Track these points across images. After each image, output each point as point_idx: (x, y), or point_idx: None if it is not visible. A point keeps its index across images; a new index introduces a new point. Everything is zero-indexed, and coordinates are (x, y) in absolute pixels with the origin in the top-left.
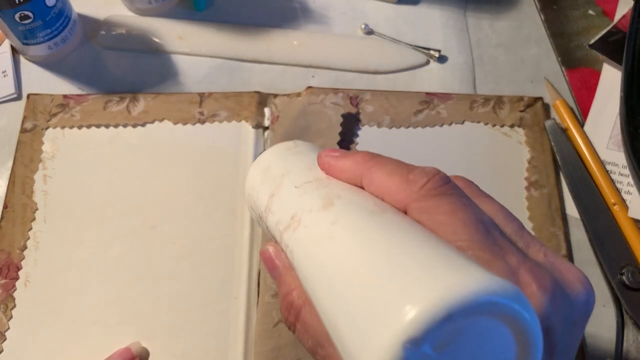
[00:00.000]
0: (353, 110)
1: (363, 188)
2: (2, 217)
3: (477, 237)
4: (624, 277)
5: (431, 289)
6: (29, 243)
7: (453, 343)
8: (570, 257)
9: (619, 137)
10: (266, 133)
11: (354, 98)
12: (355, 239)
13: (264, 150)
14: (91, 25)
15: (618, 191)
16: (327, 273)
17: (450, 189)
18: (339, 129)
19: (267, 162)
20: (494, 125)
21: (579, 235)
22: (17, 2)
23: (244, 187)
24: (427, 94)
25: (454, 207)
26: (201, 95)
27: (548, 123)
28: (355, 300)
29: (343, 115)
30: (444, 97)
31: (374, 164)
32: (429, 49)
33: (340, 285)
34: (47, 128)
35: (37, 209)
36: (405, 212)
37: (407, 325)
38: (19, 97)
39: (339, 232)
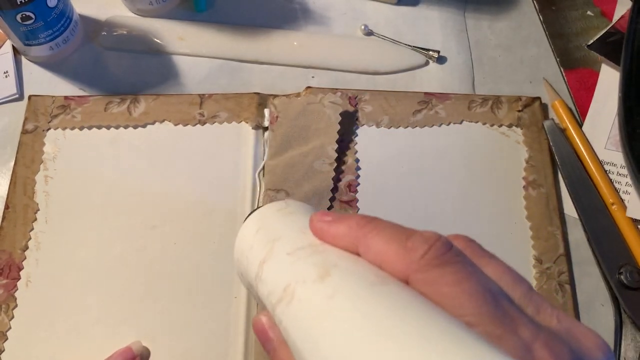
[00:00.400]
0: (352, 110)
1: (360, 255)
2: (3, 218)
3: (486, 309)
4: (622, 277)
5: None
6: (30, 243)
7: None
8: (568, 256)
9: (618, 137)
10: (266, 134)
11: (353, 98)
12: (356, 317)
13: (264, 150)
14: (92, 26)
15: (616, 191)
16: (326, 353)
17: (453, 257)
18: (338, 127)
19: (257, 225)
20: (492, 125)
21: (577, 235)
22: (18, 2)
23: (233, 251)
24: (426, 94)
25: (459, 277)
26: (201, 96)
27: (547, 123)
28: None
29: (342, 115)
30: (443, 97)
31: (370, 230)
32: (428, 50)
33: None
34: (48, 129)
35: (38, 210)
36: (406, 282)
37: None
38: (20, 98)
39: (338, 307)
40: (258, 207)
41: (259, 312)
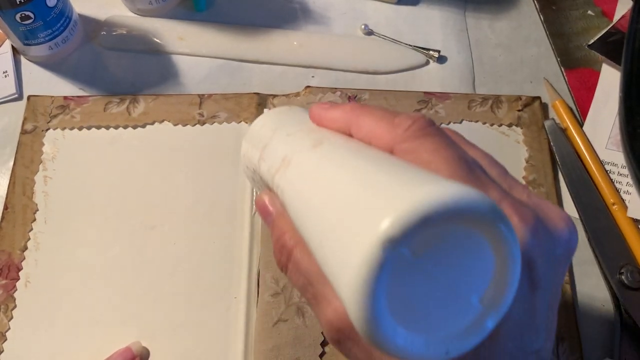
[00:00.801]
0: None
1: (352, 136)
2: (2, 218)
3: (460, 173)
4: (623, 277)
5: (409, 195)
6: (29, 244)
7: (431, 248)
8: None
9: (618, 137)
10: None
11: (353, 97)
12: (339, 167)
13: None
14: (92, 26)
15: (617, 191)
16: (314, 201)
17: (434, 130)
18: None
19: (261, 122)
20: (492, 125)
21: (578, 234)
22: (18, 2)
23: (241, 150)
24: (426, 93)
25: (437, 146)
26: (201, 96)
27: (547, 123)
28: (339, 218)
29: None
30: (442, 96)
31: (362, 112)
32: (428, 50)
33: (325, 209)
34: (47, 129)
35: (37, 210)
36: (391, 153)
37: (385, 226)
38: (19, 98)
39: (325, 164)
40: None
41: (261, 192)
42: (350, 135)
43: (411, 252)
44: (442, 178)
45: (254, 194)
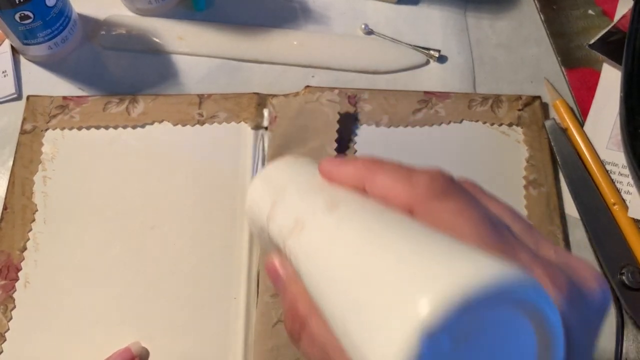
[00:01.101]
0: (351, 110)
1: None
2: (1, 219)
3: (486, 235)
4: (623, 277)
5: (448, 278)
6: (28, 244)
7: (472, 336)
8: None
9: (619, 137)
10: (265, 134)
11: (352, 97)
12: (362, 236)
13: (263, 151)
14: (91, 26)
15: (618, 191)
16: (335, 273)
17: (455, 189)
18: (337, 126)
19: (268, 176)
20: (492, 124)
21: (578, 235)
22: (17, 2)
23: (245, 203)
24: (426, 93)
25: (460, 206)
26: (200, 96)
27: (548, 123)
28: (366, 297)
29: (340, 114)
30: (442, 96)
31: (376, 168)
32: (428, 49)
33: (349, 283)
34: (46, 129)
35: (36, 211)
36: (410, 214)
37: (423, 315)
38: (19, 97)
39: (345, 231)
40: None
41: (268, 255)
42: (364, 191)
43: (451, 340)
44: (480, 253)
45: None
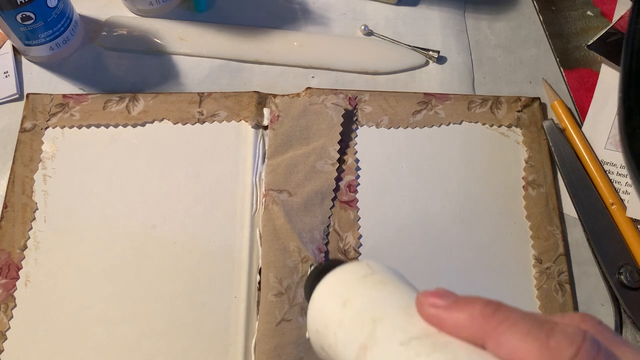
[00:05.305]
0: (350, 108)
1: (484, 348)
2: (2, 217)
3: None
4: (622, 277)
5: None
6: (29, 243)
7: None
8: (568, 256)
9: (617, 137)
10: (265, 133)
11: (353, 98)
12: None
13: (263, 149)
14: (93, 26)
15: (616, 191)
16: None
17: None
18: (340, 129)
19: (343, 296)
20: (491, 125)
21: (577, 235)
22: (18, 3)
23: (307, 317)
24: (425, 94)
25: None
26: (200, 95)
27: (546, 123)
28: None
29: (343, 116)
30: (442, 97)
31: (500, 322)
32: (428, 50)
33: None
34: (46, 128)
35: (37, 209)
36: None
37: None
38: (20, 98)
39: None
40: (330, 263)
41: None
42: (482, 346)
43: None
44: None
45: (254, 193)
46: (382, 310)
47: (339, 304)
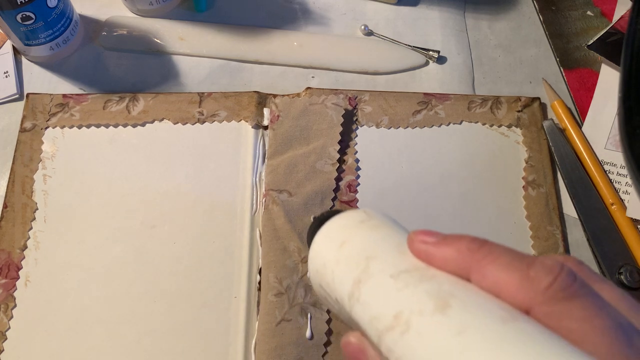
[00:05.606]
0: (350, 108)
1: (469, 280)
2: (2, 217)
3: (618, 348)
4: (622, 277)
5: None
6: (29, 243)
7: None
8: None
9: (617, 137)
10: (265, 133)
11: (353, 99)
12: (490, 351)
13: (263, 149)
14: (93, 26)
15: (616, 191)
16: None
17: (579, 289)
18: (340, 129)
19: (340, 237)
20: (491, 125)
21: (577, 235)
22: (18, 3)
23: (308, 260)
24: (425, 94)
25: (588, 312)
26: (200, 95)
27: (546, 123)
28: None
29: (343, 116)
30: (442, 97)
31: (484, 255)
32: (428, 50)
33: None
34: (46, 128)
35: (37, 209)
36: (527, 313)
37: None
38: (20, 98)
39: (470, 346)
40: (331, 213)
41: (347, 333)
42: (467, 279)
43: None
44: None
45: (254, 193)
46: (375, 249)
47: (337, 246)
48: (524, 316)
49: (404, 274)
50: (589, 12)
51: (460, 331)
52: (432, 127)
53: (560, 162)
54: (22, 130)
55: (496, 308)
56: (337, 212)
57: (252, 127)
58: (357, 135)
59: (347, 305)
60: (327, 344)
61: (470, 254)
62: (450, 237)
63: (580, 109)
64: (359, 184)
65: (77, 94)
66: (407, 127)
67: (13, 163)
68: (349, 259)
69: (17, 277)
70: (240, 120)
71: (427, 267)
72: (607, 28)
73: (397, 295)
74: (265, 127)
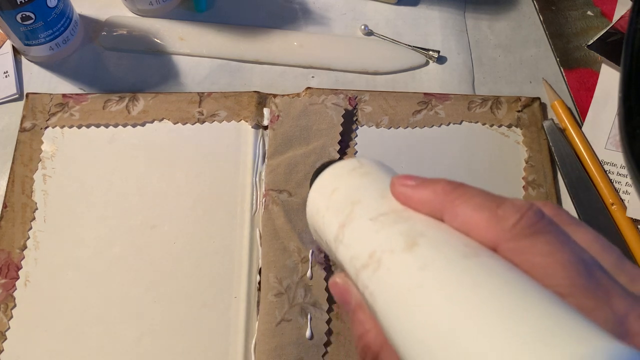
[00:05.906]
0: (350, 108)
1: (443, 221)
2: (1, 217)
3: (579, 281)
4: None
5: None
6: (28, 243)
7: None
8: None
9: (617, 137)
10: (265, 133)
11: (353, 99)
12: (451, 291)
13: (263, 149)
14: (92, 26)
15: (616, 191)
16: (417, 325)
17: (545, 226)
18: (340, 129)
19: (332, 185)
20: (491, 125)
21: None
22: (18, 2)
23: (306, 207)
24: (425, 94)
25: (552, 247)
26: (200, 95)
27: (546, 123)
28: (457, 354)
29: (343, 116)
30: (442, 97)
31: (458, 196)
32: (428, 50)
33: (434, 341)
34: (46, 127)
35: (36, 209)
36: (495, 251)
37: None
38: (20, 98)
39: (430, 280)
40: (330, 163)
41: (335, 274)
42: (442, 219)
43: None
44: (581, 324)
45: (254, 193)
46: (361, 195)
47: (328, 193)
48: (487, 252)
49: (382, 217)
50: (589, 12)
51: (423, 266)
52: (432, 127)
53: (560, 162)
54: (22, 130)
55: (461, 245)
56: (335, 161)
57: (252, 127)
58: (357, 135)
59: (333, 247)
60: (327, 344)
61: (445, 195)
62: (428, 180)
63: (580, 109)
64: None
65: (76, 94)
66: (407, 127)
67: (13, 163)
68: (337, 204)
69: (17, 277)
70: (240, 120)
71: (405, 209)
72: (607, 28)
73: (373, 236)
74: (265, 127)
